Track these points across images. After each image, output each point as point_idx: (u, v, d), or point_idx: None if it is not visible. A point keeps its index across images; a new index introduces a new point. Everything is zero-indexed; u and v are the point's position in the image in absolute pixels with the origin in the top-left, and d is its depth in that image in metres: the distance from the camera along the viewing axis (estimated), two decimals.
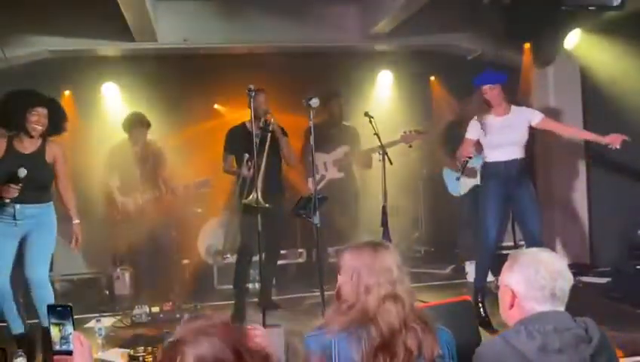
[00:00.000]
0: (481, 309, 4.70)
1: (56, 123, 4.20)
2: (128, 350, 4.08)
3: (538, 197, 5.06)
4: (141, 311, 5.07)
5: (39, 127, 4.09)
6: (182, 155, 6.31)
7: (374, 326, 1.94)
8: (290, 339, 3.50)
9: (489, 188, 4.84)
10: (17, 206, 4.04)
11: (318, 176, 6.16)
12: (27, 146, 4.13)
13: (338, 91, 6.38)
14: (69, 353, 1.76)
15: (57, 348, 1.79)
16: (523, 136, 4.78)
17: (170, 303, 5.24)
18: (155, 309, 5.14)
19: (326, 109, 6.18)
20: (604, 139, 4.65)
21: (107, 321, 4.98)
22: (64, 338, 1.78)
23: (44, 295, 4.11)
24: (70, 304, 1.81)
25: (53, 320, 1.79)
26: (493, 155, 4.80)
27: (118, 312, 5.36)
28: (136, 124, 5.99)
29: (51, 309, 1.80)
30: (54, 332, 1.79)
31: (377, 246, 2.07)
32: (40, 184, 4.15)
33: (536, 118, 4.78)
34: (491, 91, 4.73)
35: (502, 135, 4.75)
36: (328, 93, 6.23)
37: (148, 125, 6.04)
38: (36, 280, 4.12)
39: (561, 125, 5.21)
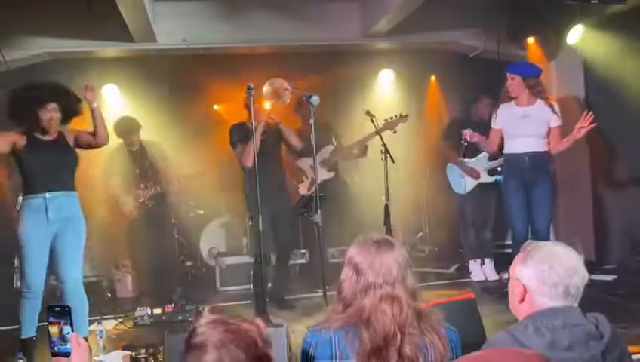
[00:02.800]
0: None
1: (68, 111, 4.21)
2: (130, 352, 4.05)
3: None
4: (143, 312, 5.04)
5: (54, 123, 4.12)
6: (182, 155, 6.29)
7: (367, 328, 1.87)
8: (293, 339, 3.46)
9: (509, 183, 4.89)
10: (47, 195, 4.03)
11: (307, 181, 6.10)
12: (47, 135, 4.15)
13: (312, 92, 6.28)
14: (68, 354, 1.74)
15: (56, 348, 1.77)
16: (543, 129, 4.78)
17: (172, 305, 5.21)
18: (157, 311, 5.11)
19: (302, 111, 6.08)
20: (577, 135, 4.69)
21: (109, 324, 4.95)
22: (62, 339, 1.75)
23: (81, 302, 4.10)
24: (69, 304, 1.78)
25: (52, 320, 1.76)
26: (512, 146, 4.81)
27: (120, 314, 5.33)
28: (128, 127, 6.08)
29: (50, 309, 1.77)
30: (53, 332, 1.76)
31: (381, 244, 2.00)
32: (67, 169, 4.17)
33: (554, 122, 4.79)
34: (511, 81, 4.77)
35: (521, 125, 4.75)
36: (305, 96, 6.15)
37: (139, 127, 6.13)
38: (73, 285, 4.11)
39: (559, 140, 4.91)
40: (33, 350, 4.12)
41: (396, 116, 5.77)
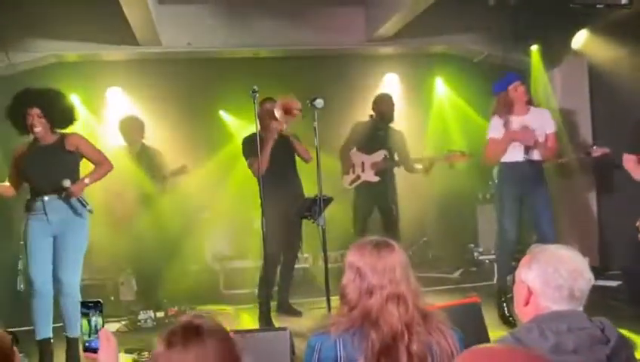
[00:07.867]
0: (505, 308, 4.69)
1: (58, 116, 4.19)
2: (133, 355, 4.05)
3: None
4: (146, 316, 5.05)
5: (37, 128, 4.11)
6: (186, 159, 6.24)
7: (376, 328, 1.88)
8: (297, 343, 3.45)
9: (505, 189, 4.87)
10: (45, 198, 4.09)
11: (353, 176, 6.04)
12: (47, 138, 4.18)
13: (389, 93, 6.28)
14: (96, 350, 1.75)
15: (86, 343, 1.78)
16: (540, 137, 4.77)
17: (176, 308, 5.21)
18: (160, 314, 5.11)
19: (376, 109, 6.05)
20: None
21: (112, 327, 4.95)
22: (92, 331, 1.76)
23: (73, 304, 4.01)
24: (101, 300, 1.79)
25: (83, 312, 1.78)
26: (510, 155, 4.79)
27: (123, 317, 5.33)
28: (133, 126, 6.00)
29: (83, 305, 1.80)
30: (84, 326, 1.77)
31: (381, 245, 2.01)
32: (64, 172, 4.14)
33: (549, 128, 4.82)
34: (518, 89, 4.76)
35: None
36: (381, 94, 6.16)
37: (143, 126, 6.06)
38: (67, 287, 4.09)
39: (553, 149, 4.96)
40: (50, 351, 4.08)
41: (458, 152, 5.80)
